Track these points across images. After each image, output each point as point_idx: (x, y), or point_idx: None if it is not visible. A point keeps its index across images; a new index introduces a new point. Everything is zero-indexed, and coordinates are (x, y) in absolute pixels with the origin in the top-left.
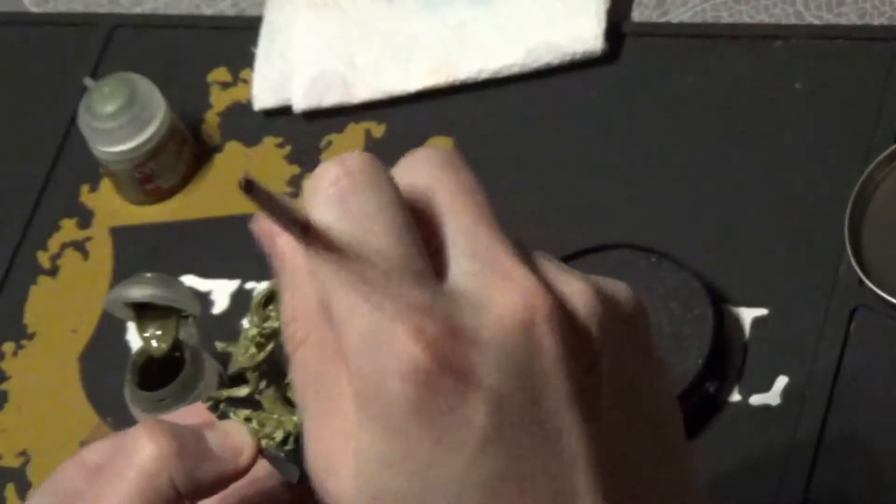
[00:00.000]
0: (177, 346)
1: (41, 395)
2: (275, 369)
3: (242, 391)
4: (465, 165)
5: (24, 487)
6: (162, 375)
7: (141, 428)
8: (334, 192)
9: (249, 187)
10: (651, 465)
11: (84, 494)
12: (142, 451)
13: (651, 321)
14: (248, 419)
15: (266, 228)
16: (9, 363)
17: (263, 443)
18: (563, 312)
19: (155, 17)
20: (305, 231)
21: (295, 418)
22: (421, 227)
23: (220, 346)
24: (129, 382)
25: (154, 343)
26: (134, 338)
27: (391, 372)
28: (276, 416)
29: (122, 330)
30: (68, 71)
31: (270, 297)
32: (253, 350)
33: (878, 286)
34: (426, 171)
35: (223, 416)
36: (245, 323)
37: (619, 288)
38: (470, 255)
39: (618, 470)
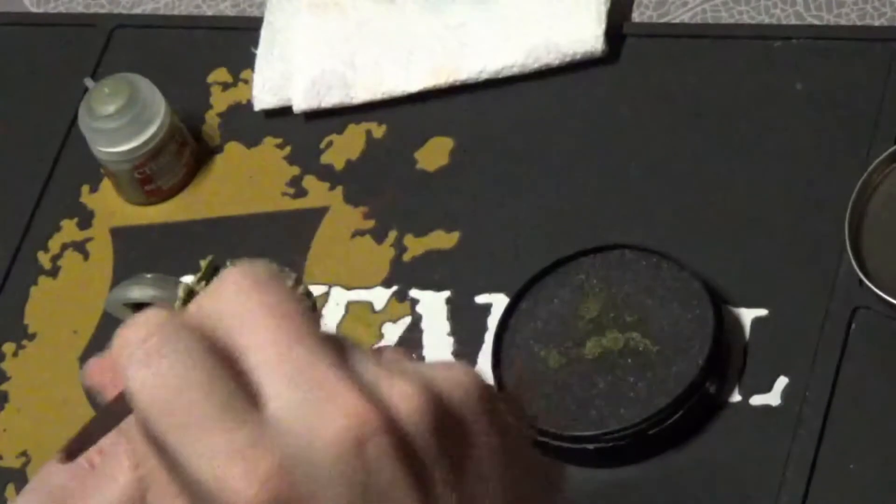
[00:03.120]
0: None
1: (41, 395)
2: None
3: None
4: (272, 280)
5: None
6: None
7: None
8: (143, 355)
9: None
10: None
11: (73, 495)
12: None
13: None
14: None
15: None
16: (9, 363)
17: None
18: (390, 426)
19: (155, 18)
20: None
21: None
22: (236, 363)
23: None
24: None
25: None
26: None
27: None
28: None
29: None
30: (68, 71)
31: (188, 301)
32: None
33: (878, 286)
34: (231, 298)
35: None
36: None
37: (455, 377)
38: (288, 383)
39: None
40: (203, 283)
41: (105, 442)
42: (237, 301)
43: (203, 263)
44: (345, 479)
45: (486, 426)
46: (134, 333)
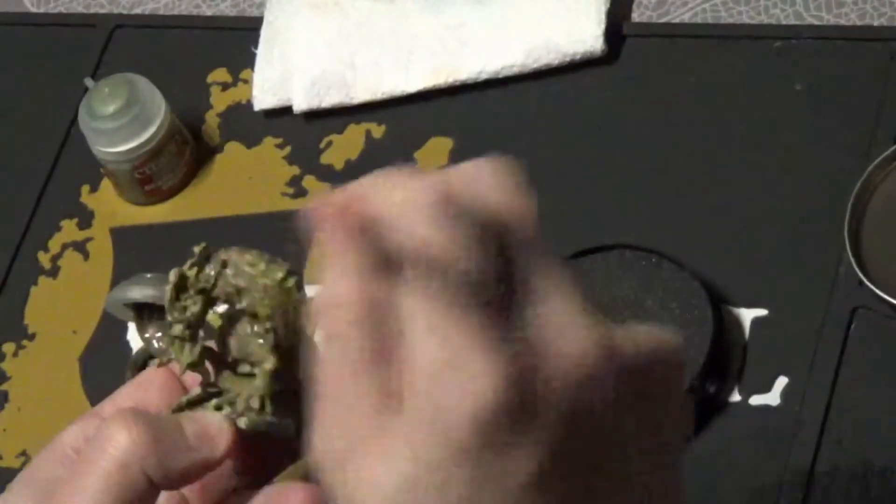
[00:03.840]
0: None
1: (41, 395)
2: (213, 352)
3: (197, 390)
4: (530, 193)
5: None
6: None
7: (115, 416)
8: (432, 212)
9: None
10: None
11: (61, 483)
12: (115, 439)
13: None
14: (218, 408)
15: (329, 211)
16: (9, 363)
17: (244, 421)
18: (624, 368)
19: (155, 18)
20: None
21: (257, 381)
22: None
23: (156, 362)
24: (129, 382)
25: (154, 343)
26: (134, 338)
27: (460, 404)
28: (240, 391)
29: (122, 330)
30: (68, 71)
31: (181, 286)
32: (188, 345)
33: (877, 287)
34: (500, 192)
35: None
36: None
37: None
38: (548, 298)
39: None
40: (195, 268)
41: (90, 430)
42: (506, 201)
43: (196, 250)
44: (573, 407)
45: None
46: (428, 187)
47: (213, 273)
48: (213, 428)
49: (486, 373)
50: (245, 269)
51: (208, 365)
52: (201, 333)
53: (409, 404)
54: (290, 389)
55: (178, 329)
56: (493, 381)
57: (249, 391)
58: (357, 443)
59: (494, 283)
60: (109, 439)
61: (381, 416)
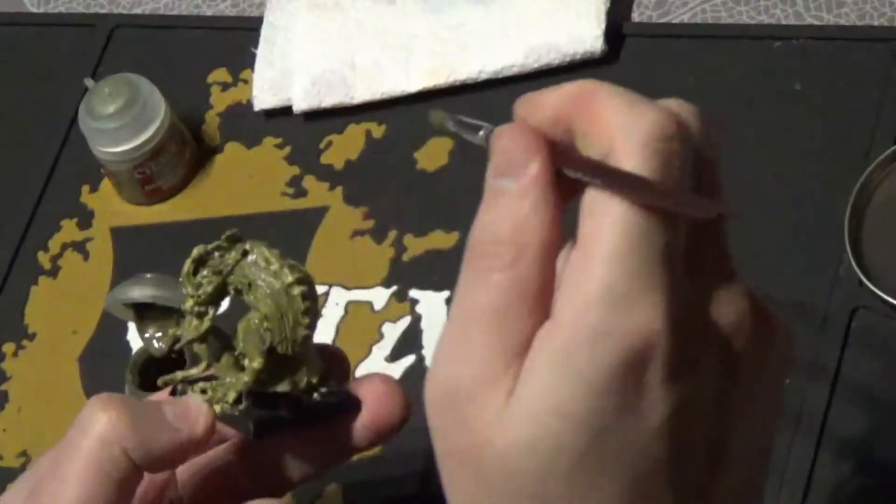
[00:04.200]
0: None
1: (41, 395)
2: (222, 334)
3: (195, 369)
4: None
5: None
6: (162, 376)
7: (94, 399)
8: (665, 150)
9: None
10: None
11: (47, 468)
12: (95, 421)
13: None
14: (203, 391)
15: (527, 123)
16: (9, 363)
17: (218, 408)
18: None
19: (155, 17)
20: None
21: (245, 377)
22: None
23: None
24: (129, 383)
25: (154, 343)
26: (134, 338)
27: (620, 334)
28: (227, 380)
29: (122, 330)
30: (68, 71)
31: (200, 262)
32: (195, 322)
33: (877, 287)
34: (702, 138)
35: (182, 395)
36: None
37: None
38: (717, 266)
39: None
40: (217, 253)
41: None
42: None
43: (227, 234)
44: (725, 367)
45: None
46: (667, 124)
47: (231, 260)
48: (193, 410)
49: (655, 310)
50: (261, 264)
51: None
52: (210, 313)
53: (564, 322)
54: (270, 394)
55: (189, 303)
56: (658, 323)
57: (233, 383)
58: (481, 385)
59: (684, 234)
60: (89, 420)
61: (516, 360)
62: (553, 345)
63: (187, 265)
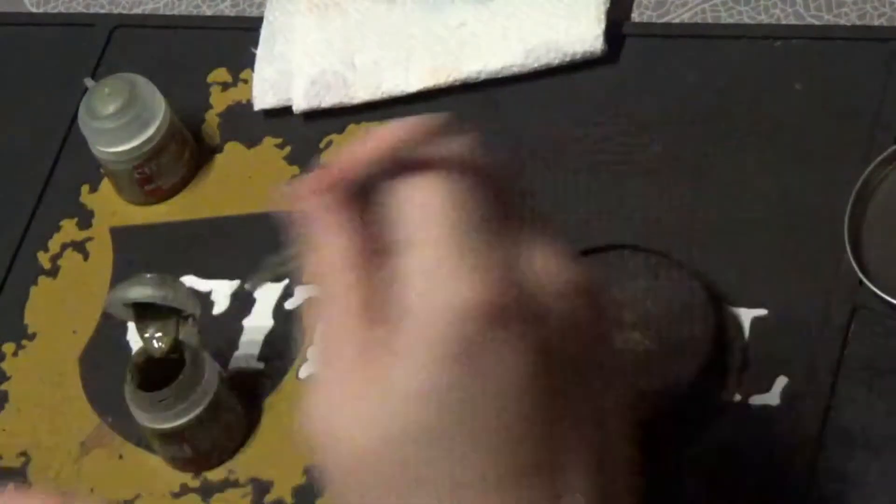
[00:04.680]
0: (177, 346)
1: (41, 395)
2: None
3: None
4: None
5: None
6: (162, 376)
7: None
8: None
9: None
10: None
11: None
12: None
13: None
14: None
15: (304, 190)
16: (9, 363)
17: None
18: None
19: (155, 17)
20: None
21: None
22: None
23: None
24: (129, 383)
25: (154, 343)
26: (134, 338)
27: (449, 310)
28: None
29: (122, 330)
30: (68, 71)
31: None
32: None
33: (877, 287)
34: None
35: None
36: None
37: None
38: (533, 230)
39: None
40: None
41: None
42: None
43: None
44: (560, 315)
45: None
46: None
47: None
48: None
49: (478, 279)
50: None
51: None
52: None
53: (404, 319)
54: None
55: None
56: (484, 288)
57: None
58: (349, 398)
59: (485, 219)
60: None
61: (372, 374)
62: (400, 339)
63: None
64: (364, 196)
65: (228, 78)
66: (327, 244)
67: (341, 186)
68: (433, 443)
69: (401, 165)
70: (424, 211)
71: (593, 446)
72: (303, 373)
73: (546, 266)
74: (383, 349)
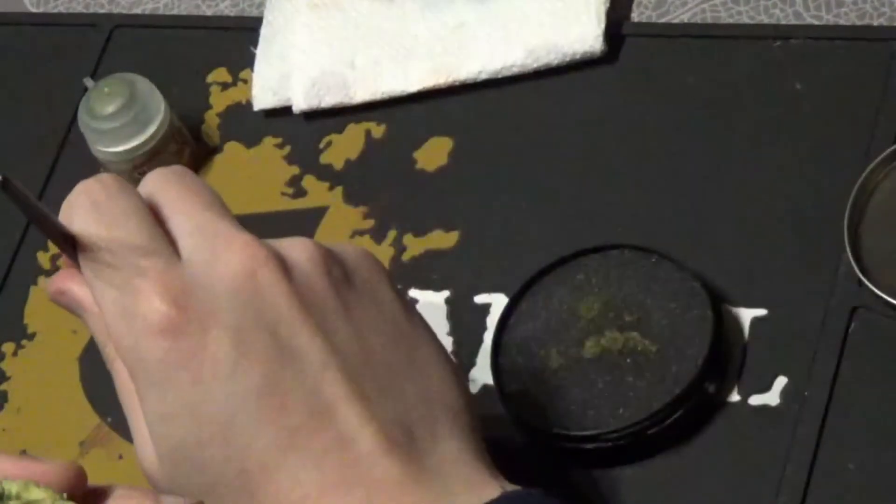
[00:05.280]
0: None
1: (41, 395)
2: None
3: None
4: (191, 174)
5: None
6: None
7: None
8: (89, 200)
9: (4, 185)
10: (400, 369)
11: None
12: None
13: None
14: None
15: (57, 284)
16: (9, 363)
17: None
18: (278, 260)
19: (155, 17)
20: (66, 238)
21: None
22: (159, 222)
23: None
24: None
25: None
26: None
27: (143, 330)
28: None
29: None
30: (68, 71)
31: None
32: None
33: (877, 287)
34: (156, 181)
35: None
36: None
37: (350, 248)
38: (197, 234)
39: (367, 369)
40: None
41: None
42: (160, 184)
43: None
44: (237, 298)
45: (375, 286)
46: (84, 184)
47: None
48: None
49: (151, 294)
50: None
51: None
52: None
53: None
54: None
55: None
56: (157, 300)
57: None
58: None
59: (158, 239)
60: None
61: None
62: (128, 382)
63: None
64: None
65: (228, 78)
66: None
67: None
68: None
69: None
70: None
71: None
72: None
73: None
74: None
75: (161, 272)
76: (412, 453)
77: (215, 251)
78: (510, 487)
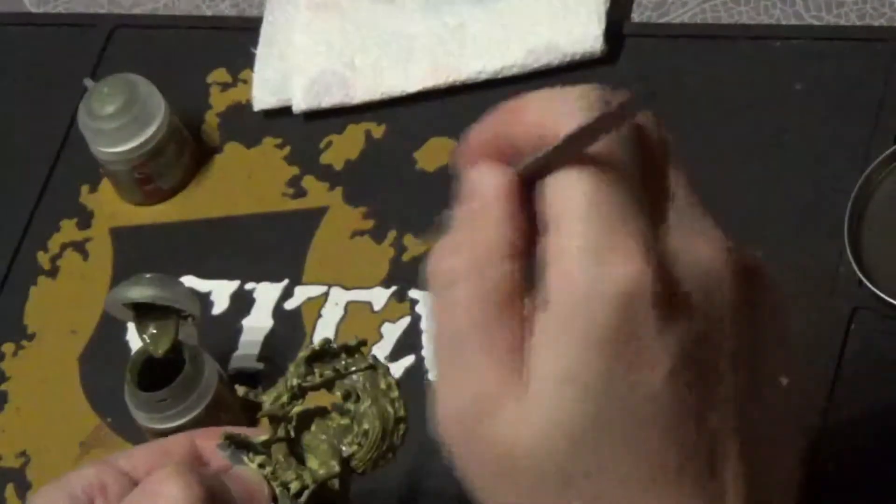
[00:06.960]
0: (177, 346)
1: (41, 395)
2: (300, 424)
3: (260, 437)
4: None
5: (23, 488)
6: (162, 376)
7: (171, 470)
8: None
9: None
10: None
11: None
12: (170, 493)
13: None
14: (261, 465)
15: (474, 152)
16: (9, 363)
17: (277, 490)
18: (751, 271)
19: (155, 18)
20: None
21: (321, 471)
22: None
23: (241, 390)
24: (129, 383)
25: (154, 344)
26: (134, 338)
27: (607, 288)
28: (293, 467)
29: (122, 330)
30: (68, 71)
31: (319, 355)
32: (285, 399)
33: (877, 287)
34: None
35: (234, 456)
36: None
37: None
38: (684, 211)
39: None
40: (344, 354)
41: (105, 478)
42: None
43: (357, 340)
44: (707, 302)
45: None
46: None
47: (354, 367)
48: (253, 487)
49: (635, 256)
50: (382, 387)
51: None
52: (302, 400)
53: (553, 297)
54: (325, 493)
55: (294, 382)
56: (641, 265)
57: (301, 474)
58: (487, 400)
59: (641, 184)
60: (164, 491)
61: (511, 362)
62: (549, 324)
63: (307, 351)
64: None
65: (228, 78)
66: (482, 216)
67: (506, 154)
68: (583, 436)
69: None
70: (577, 189)
71: (754, 437)
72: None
73: (705, 249)
74: (530, 334)
75: (649, 239)
76: None
77: (702, 241)
78: None
